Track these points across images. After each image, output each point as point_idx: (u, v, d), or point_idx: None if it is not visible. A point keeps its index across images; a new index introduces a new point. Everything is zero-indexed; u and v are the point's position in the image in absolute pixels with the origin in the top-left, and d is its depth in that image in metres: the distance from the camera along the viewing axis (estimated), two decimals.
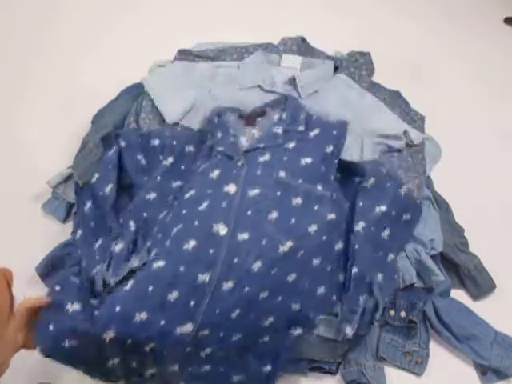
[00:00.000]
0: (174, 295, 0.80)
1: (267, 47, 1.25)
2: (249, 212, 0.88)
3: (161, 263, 0.83)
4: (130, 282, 0.83)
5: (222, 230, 0.85)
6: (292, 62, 1.21)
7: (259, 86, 1.15)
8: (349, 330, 0.88)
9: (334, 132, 1.02)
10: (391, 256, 0.94)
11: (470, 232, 1.12)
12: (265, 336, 0.86)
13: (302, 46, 1.25)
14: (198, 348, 0.82)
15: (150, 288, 0.81)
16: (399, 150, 1.13)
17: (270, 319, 0.85)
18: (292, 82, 1.16)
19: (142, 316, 0.78)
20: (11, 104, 1.33)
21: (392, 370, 0.98)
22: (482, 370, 0.98)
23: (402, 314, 0.99)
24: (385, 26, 1.63)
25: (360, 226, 0.90)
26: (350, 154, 1.09)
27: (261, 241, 0.86)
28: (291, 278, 0.86)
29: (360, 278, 0.90)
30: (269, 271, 0.84)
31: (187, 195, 0.93)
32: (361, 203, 0.95)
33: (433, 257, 1.03)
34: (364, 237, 0.90)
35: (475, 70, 1.55)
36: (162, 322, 0.79)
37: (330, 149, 0.99)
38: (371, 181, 0.96)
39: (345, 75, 1.19)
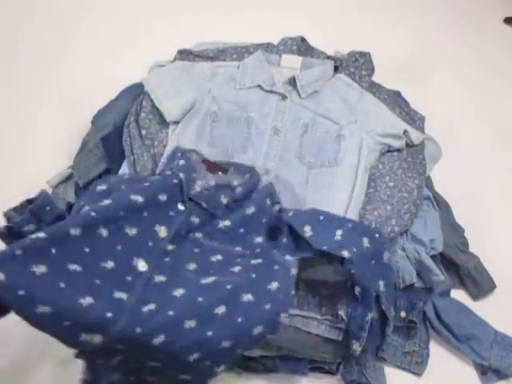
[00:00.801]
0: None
1: (267, 47, 1.25)
2: (166, 259, 0.87)
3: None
4: None
5: (141, 267, 0.83)
6: (292, 62, 1.21)
7: (259, 85, 1.16)
8: (356, 347, 0.86)
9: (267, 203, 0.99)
10: (386, 255, 0.93)
11: (470, 232, 1.12)
12: (186, 374, 0.81)
13: (301, 46, 1.25)
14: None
15: None
16: (399, 150, 1.13)
17: (195, 355, 0.77)
18: (292, 82, 1.17)
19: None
20: (11, 104, 1.33)
21: (392, 369, 0.98)
22: (482, 370, 0.98)
23: (402, 314, 0.99)
24: (385, 26, 1.63)
25: (345, 254, 0.87)
26: (350, 154, 1.10)
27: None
28: (220, 310, 0.80)
29: (365, 296, 0.87)
30: (194, 298, 0.80)
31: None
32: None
33: (433, 257, 1.03)
34: (354, 259, 0.87)
35: (475, 70, 1.55)
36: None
37: (250, 210, 0.96)
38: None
39: (345, 75, 1.19)
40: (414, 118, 1.21)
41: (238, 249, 0.94)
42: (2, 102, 1.33)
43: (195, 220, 0.95)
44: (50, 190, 1.10)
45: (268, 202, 0.99)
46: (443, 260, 1.08)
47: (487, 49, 1.62)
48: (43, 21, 1.53)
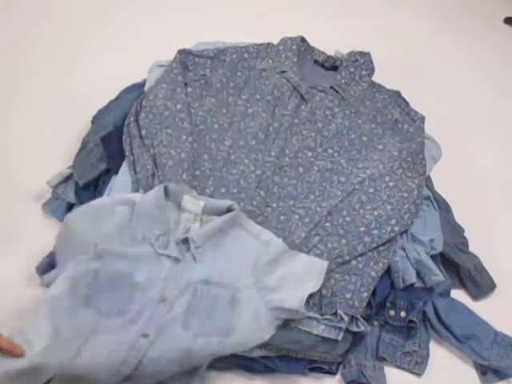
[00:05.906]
0: None
1: (267, 47, 1.25)
2: None
3: None
4: None
5: None
6: (193, 206, 0.96)
7: (151, 244, 0.91)
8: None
9: None
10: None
11: (470, 232, 1.12)
12: None
13: (302, 46, 1.25)
14: None
15: None
16: (399, 150, 1.13)
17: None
18: (186, 241, 0.92)
19: None
20: (11, 103, 1.33)
21: (392, 369, 0.98)
22: (482, 370, 0.98)
23: (402, 314, 0.99)
24: (385, 26, 1.64)
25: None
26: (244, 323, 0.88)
27: None
28: None
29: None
30: None
31: None
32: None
33: (433, 257, 1.03)
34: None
35: (475, 69, 1.55)
36: None
37: None
38: None
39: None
40: (414, 118, 1.21)
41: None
42: (2, 102, 1.33)
43: None
44: (49, 190, 1.10)
45: None
46: (443, 260, 1.08)
47: (487, 49, 1.62)
48: (42, 22, 1.53)
